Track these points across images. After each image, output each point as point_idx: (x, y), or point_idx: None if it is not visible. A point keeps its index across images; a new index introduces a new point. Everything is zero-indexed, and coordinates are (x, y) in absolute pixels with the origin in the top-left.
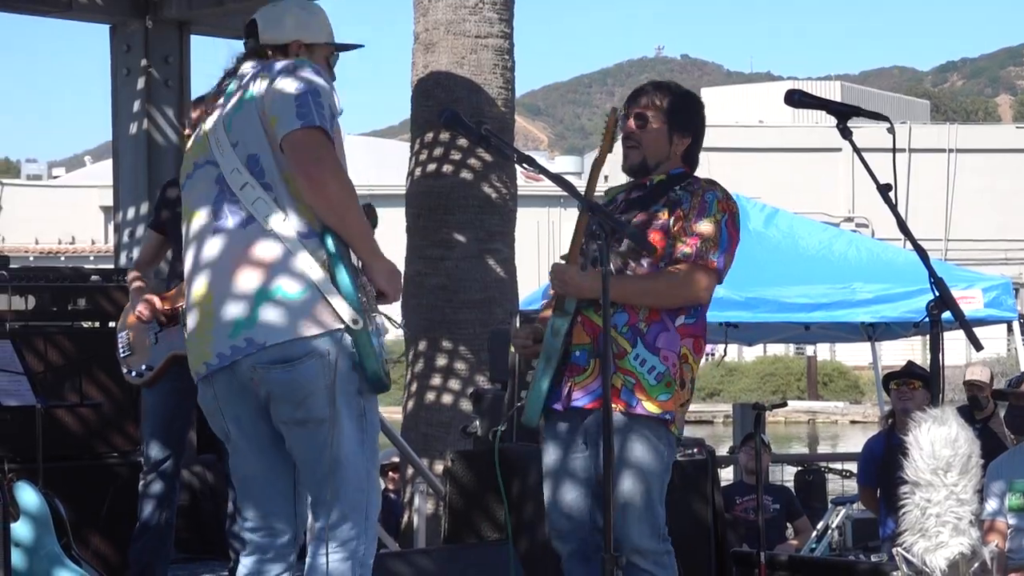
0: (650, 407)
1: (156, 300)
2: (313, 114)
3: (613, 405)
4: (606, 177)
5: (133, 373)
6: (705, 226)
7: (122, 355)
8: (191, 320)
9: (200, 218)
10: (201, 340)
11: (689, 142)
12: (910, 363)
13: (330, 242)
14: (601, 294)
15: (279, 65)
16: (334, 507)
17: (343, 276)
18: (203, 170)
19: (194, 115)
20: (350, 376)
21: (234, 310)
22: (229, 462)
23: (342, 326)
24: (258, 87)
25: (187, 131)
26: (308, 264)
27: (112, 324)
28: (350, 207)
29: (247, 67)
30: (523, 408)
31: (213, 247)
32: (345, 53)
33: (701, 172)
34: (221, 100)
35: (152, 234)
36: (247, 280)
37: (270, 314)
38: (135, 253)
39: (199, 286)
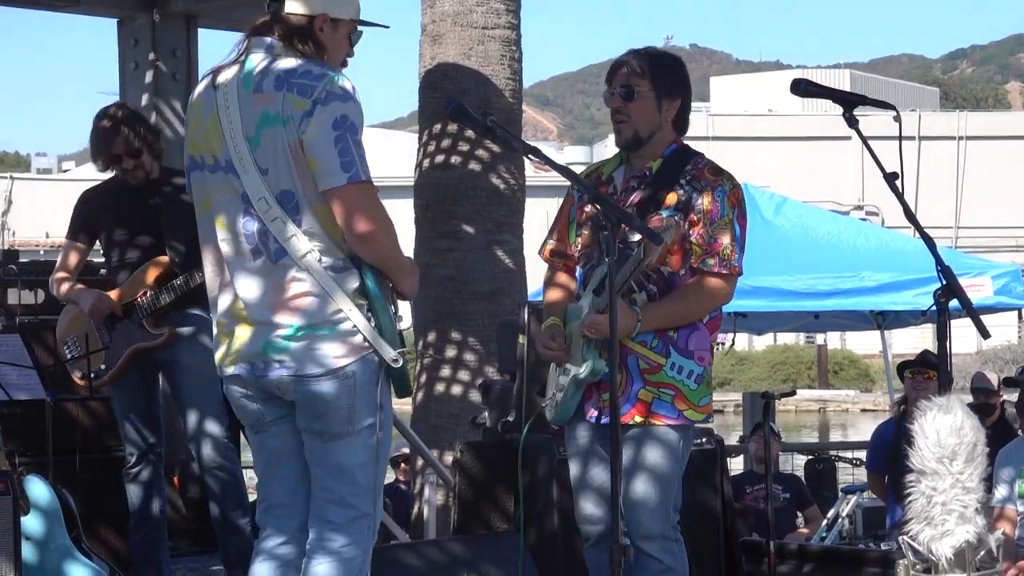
0: (693, 415)
1: (110, 297)
2: (355, 164)
3: (641, 418)
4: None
5: (93, 375)
6: (724, 233)
7: (71, 362)
8: (223, 324)
9: (231, 234)
10: (230, 348)
11: (679, 105)
12: (926, 352)
13: (368, 279)
14: (635, 326)
15: (310, 86)
16: (340, 517)
17: (385, 313)
18: (225, 176)
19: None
20: (371, 392)
21: (266, 335)
22: (254, 445)
23: (370, 350)
24: (290, 111)
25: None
26: (343, 299)
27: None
28: (392, 250)
29: (276, 64)
30: (545, 410)
31: (248, 274)
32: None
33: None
34: (239, 79)
35: (77, 244)
36: (280, 316)
37: (304, 348)
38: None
39: (232, 304)
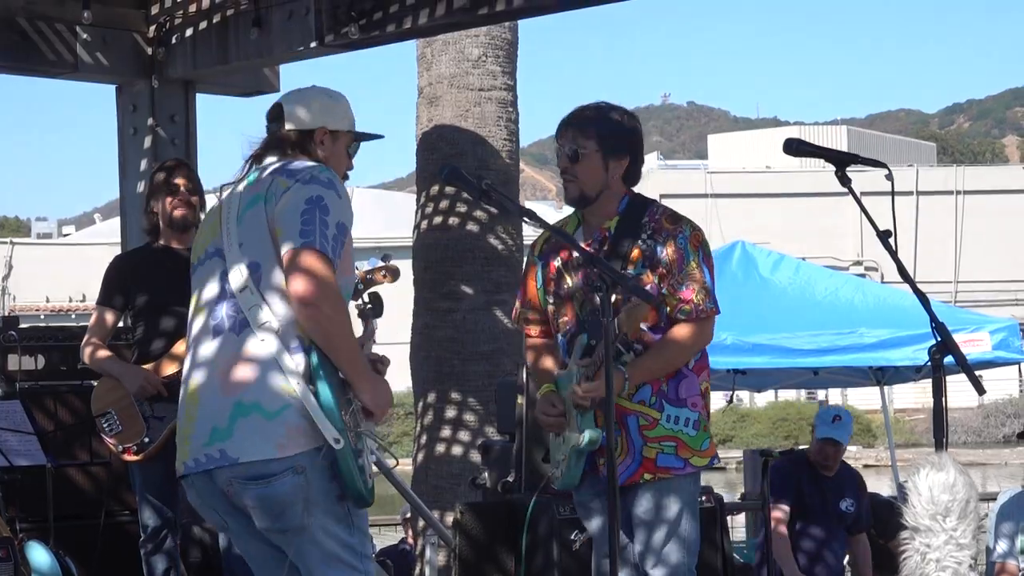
0: (698, 461)
1: (157, 378)
2: (315, 233)
3: (650, 475)
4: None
5: (134, 447)
6: (691, 275)
7: (111, 434)
8: (180, 410)
9: (203, 313)
10: (182, 439)
11: (627, 163)
12: None
13: (315, 358)
14: (623, 384)
15: (299, 171)
16: None
17: (326, 394)
18: (213, 261)
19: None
20: (330, 487)
21: (213, 418)
22: (237, 545)
23: (322, 444)
24: (274, 188)
25: (171, 200)
26: (293, 380)
27: None
28: (339, 331)
29: (270, 159)
30: (551, 477)
31: (208, 348)
32: (353, 107)
33: (709, 219)
34: (242, 187)
35: (110, 311)
36: (229, 390)
37: (247, 429)
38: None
39: (190, 386)
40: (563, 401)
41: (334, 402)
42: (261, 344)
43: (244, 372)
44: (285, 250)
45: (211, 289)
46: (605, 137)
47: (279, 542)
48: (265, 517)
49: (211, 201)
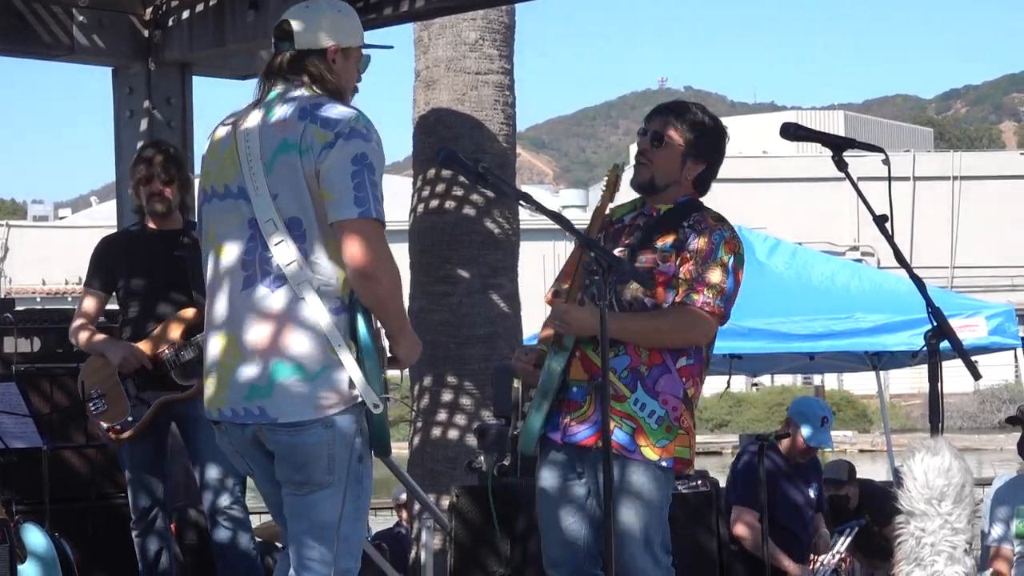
0: (649, 453)
1: (142, 350)
2: (369, 201)
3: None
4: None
5: (118, 427)
6: (713, 271)
7: (95, 412)
8: (213, 357)
9: (230, 261)
10: (218, 386)
11: (702, 169)
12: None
13: (363, 327)
14: (595, 316)
15: (335, 121)
16: (322, 573)
17: (372, 361)
18: (235, 202)
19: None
20: (352, 444)
21: (253, 374)
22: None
23: (356, 402)
24: (309, 140)
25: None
26: (333, 342)
27: None
28: (394, 295)
29: (301, 97)
30: (518, 437)
31: (242, 299)
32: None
33: (706, 204)
34: (260, 111)
35: (97, 292)
36: (271, 348)
37: (287, 391)
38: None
39: (223, 334)
40: (544, 355)
41: (378, 368)
42: (301, 303)
43: (285, 331)
44: (340, 218)
45: (235, 233)
46: (691, 136)
47: (292, 500)
48: (288, 467)
49: None
